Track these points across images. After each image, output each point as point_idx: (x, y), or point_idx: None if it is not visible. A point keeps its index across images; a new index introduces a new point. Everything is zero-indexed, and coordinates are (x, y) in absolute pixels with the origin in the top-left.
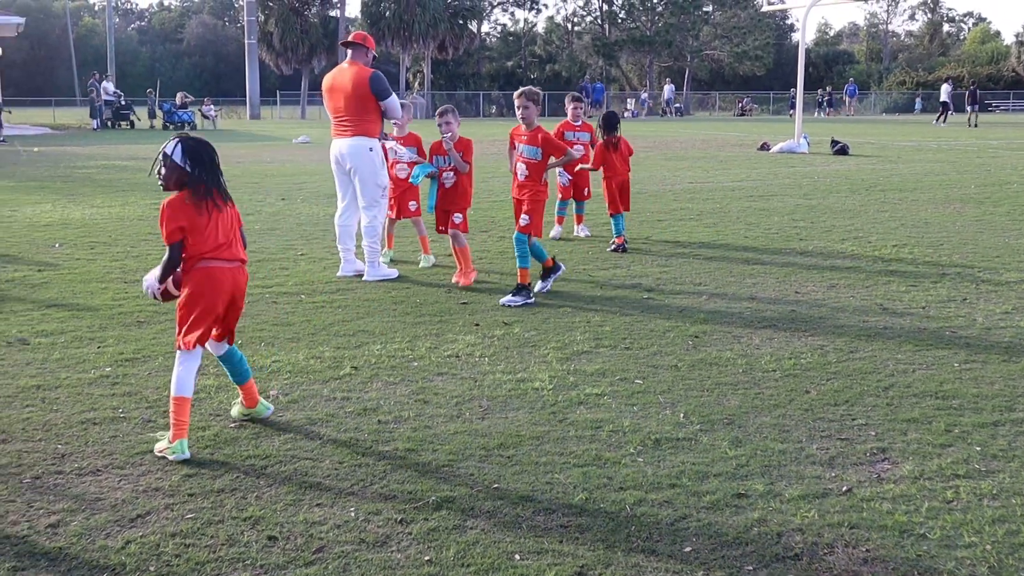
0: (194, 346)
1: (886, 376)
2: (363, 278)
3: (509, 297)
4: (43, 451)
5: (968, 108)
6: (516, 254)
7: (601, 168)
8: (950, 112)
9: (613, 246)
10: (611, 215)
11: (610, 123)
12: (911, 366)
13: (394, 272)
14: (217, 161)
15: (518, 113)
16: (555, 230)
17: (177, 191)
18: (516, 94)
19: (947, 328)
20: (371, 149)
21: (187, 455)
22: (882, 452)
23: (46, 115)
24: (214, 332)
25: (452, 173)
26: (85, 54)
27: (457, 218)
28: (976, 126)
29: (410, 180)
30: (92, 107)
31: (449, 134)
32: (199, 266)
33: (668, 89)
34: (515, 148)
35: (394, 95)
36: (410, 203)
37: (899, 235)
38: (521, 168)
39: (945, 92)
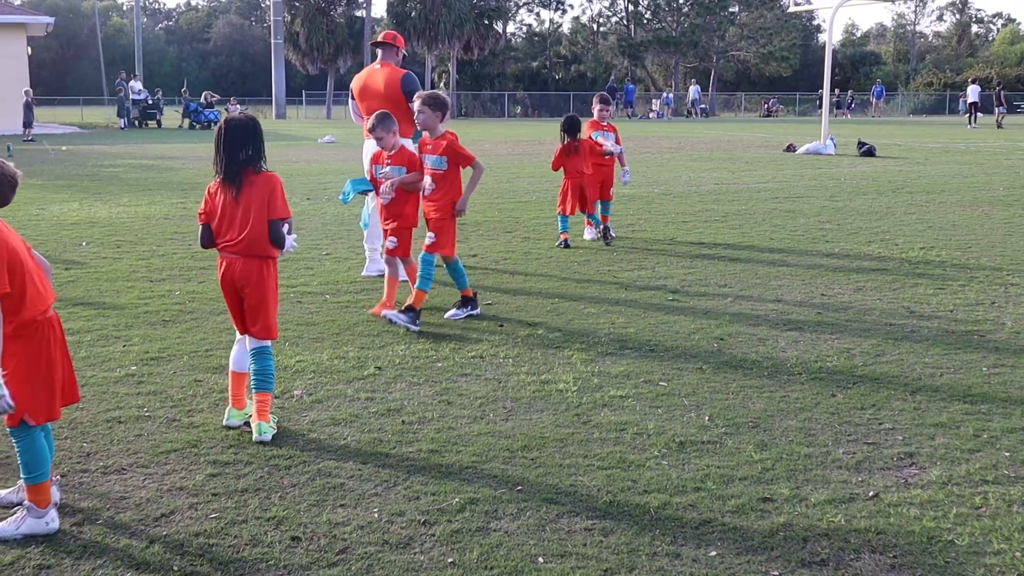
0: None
1: (913, 380)
2: None
3: (396, 312)
4: (69, 449)
5: (996, 110)
6: (419, 274)
7: (562, 169)
8: (977, 113)
9: (559, 242)
10: (559, 213)
11: (571, 128)
12: (939, 370)
13: None
14: (244, 143)
15: (416, 119)
16: (588, 232)
17: (224, 176)
18: (415, 96)
19: (975, 332)
20: None
21: (231, 422)
22: (909, 457)
23: (74, 114)
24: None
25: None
26: (113, 53)
27: (391, 242)
28: (1002, 127)
29: (340, 198)
30: (120, 106)
31: (389, 150)
32: None
33: (694, 90)
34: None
35: None
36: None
37: (927, 237)
38: (428, 181)
39: (974, 93)
